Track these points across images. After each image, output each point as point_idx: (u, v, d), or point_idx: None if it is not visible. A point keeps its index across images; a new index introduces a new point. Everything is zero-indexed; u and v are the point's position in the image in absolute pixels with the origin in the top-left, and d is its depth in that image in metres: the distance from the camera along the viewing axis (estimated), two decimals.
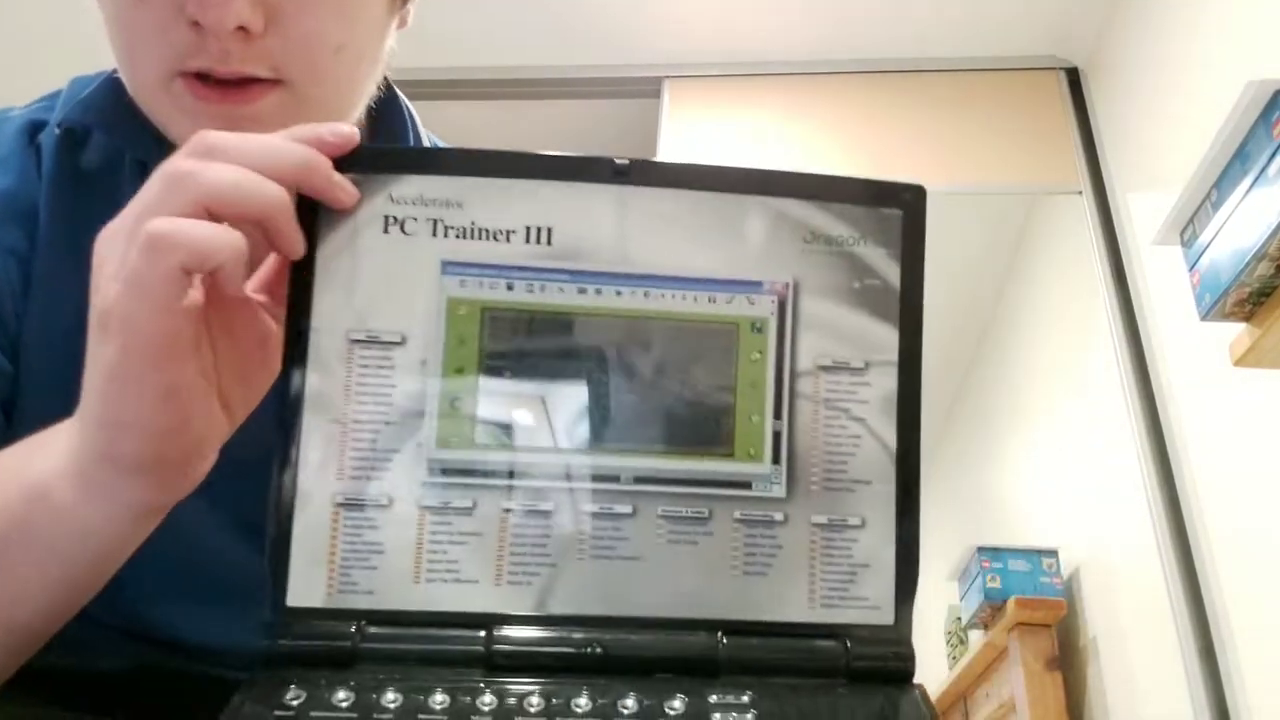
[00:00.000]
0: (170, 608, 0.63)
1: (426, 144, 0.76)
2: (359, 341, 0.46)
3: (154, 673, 0.63)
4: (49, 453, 0.47)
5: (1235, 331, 1.24)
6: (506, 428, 0.47)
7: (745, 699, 0.43)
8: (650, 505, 0.47)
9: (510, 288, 0.47)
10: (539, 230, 0.47)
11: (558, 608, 0.46)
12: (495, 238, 0.47)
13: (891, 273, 0.49)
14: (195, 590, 0.63)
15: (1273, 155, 1.10)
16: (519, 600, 0.45)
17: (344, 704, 0.41)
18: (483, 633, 0.44)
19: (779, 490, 0.47)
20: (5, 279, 0.62)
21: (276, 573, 0.45)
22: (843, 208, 0.49)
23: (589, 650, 0.45)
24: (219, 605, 0.61)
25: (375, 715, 0.40)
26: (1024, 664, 1.71)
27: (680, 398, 0.47)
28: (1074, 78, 2.16)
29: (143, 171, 0.60)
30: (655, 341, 0.47)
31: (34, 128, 0.67)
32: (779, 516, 0.47)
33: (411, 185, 0.47)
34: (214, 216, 0.43)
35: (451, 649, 0.44)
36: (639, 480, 0.47)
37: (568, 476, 0.46)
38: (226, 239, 0.43)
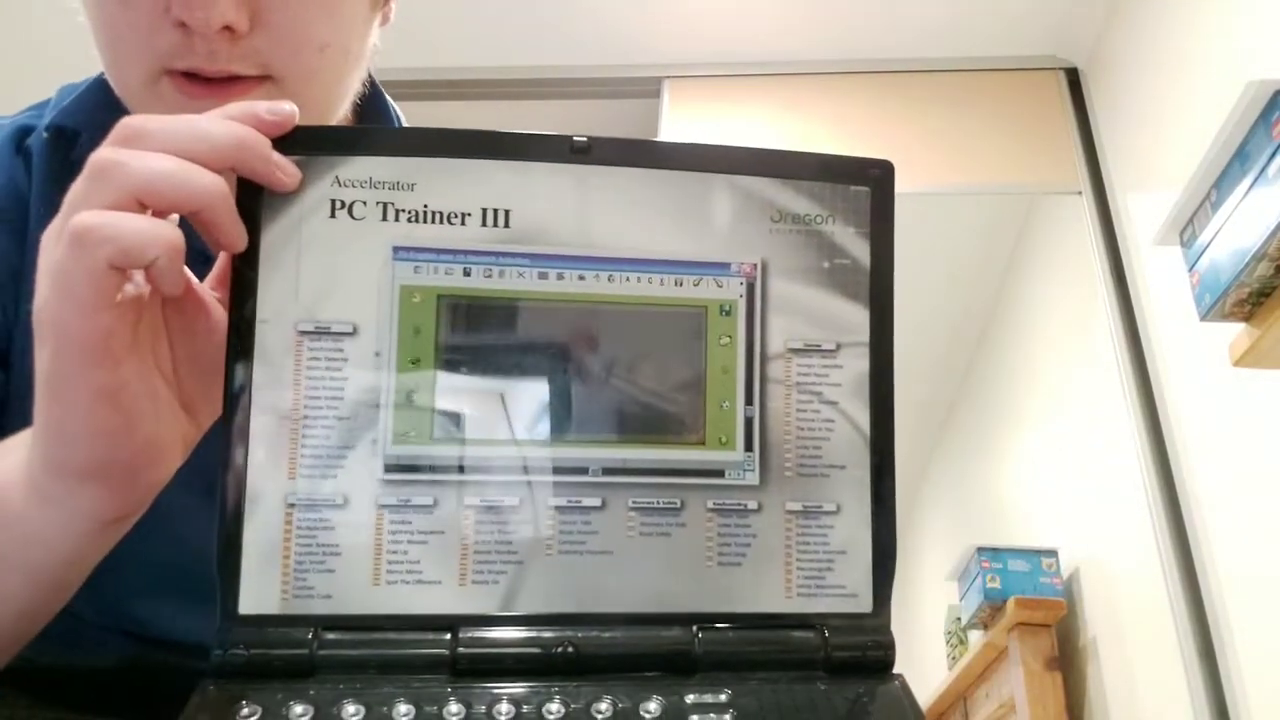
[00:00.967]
0: (163, 605, 0.62)
1: None
2: (308, 333, 0.44)
3: (147, 670, 0.63)
4: (7, 461, 0.46)
5: (1235, 332, 1.23)
6: (466, 421, 0.45)
7: (723, 697, 0.42)
8: (620, 497, 0.45)
9: (467, 273, 0.45)
10: (496, 212, 0.45)
11: (526, 607, 0.44)
12: (450, 221, 0.45)
13: (861, 251, 0.47)
14: (188, 588, 0.63)
15: (1272, 155, 1.10)
16: (485, 600, 0.43)
17: (303, 717, 0.39)
18: (448, 635, 0.43)
19: (752, 478, 0.46)
20: None
21: (226, 579, 0.43)
22: (811, 185, 0.47)
23: (560, 650, 0.43)
24: (212, 602, 0.61)
25: None
26: (1024, 664, 1.71)
27: (648, 385, 0.46)
28: (1074, 78, 2.15)
29: None
30: (620, 327, 0.46)
31: (22, 133, 0.67)
32: (753, 505, 0.46)
33: (360, 167, 0.45)
34: (147, 208, 0.41)
35: (415, 654, 0.42)
36: (608, 472, 0.45)
37: (533, 470, 0.45)
38: (157, 232, 0.41)
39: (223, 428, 0.43)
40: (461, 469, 0.44)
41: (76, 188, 0.42)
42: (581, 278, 0.46)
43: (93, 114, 0.65)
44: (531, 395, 0.45)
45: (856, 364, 0.47)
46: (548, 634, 0.43)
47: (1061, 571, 1.81)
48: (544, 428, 0.45)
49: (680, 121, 2.17)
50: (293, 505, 0.43)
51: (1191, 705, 1.52)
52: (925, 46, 2.15)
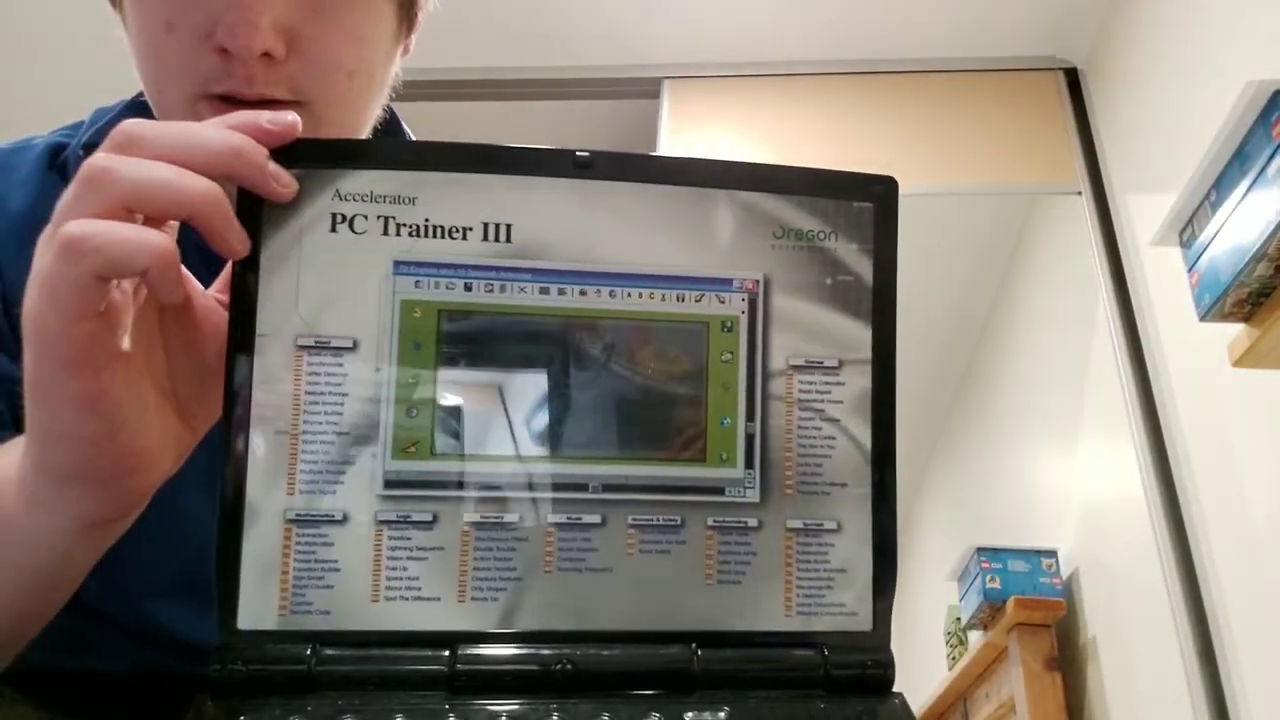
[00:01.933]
0: (173, 609, 0.62)
1: None
2: (308, 348, 0.44)
3: (156, 674, 0.63)
4: (5, 461, 0.46)
5: (1234, 332, 1.23)
6: (466, 436, 0.44)
7: (722, 715, 0.42)
8: (620, 514, 0.45)
9: (468, 288, 0.45)
10: (497, 227, 0.45)
11: (525, 624, 0.43)
12: (451, 235, 0.45)
13: (864, 268, 0.47)
14: (198, 591, 0.63)
15: (1272, 155, 1.10)
16: (483, 617, 0.43)
17: None
18: (446, 652, 0.42)
19: (753, 495, 0.45)
20: (21, 293, 0.62)
21: (225, 594, 0.42)
22: (814, 201, 0.47)
23: (558, 667, 0.43)
24: None
25: None
26: (1023, 664, 1.71)
27: (649, 401, 0.45)
28: (1073, 78, 2.15)
29: None
30: (621, 343, 0.45)
31: (56, 150, 0.68)
32: (753, 522, 0.45)
33: (361, 180, 0.44)
34: (138, 215, 0.41)
35: (413, 670, 0.42)
36: (607, 488, 0.45)
37: (532, 486, 0.44)
38: (145, 241, 0.40)
39: (221, 442, 0.43)
40: (461, 485, 0.44)
41: (67, 195, 0.41)
42: (583, 293, 0.45)
43: None
44: (531, 411, 0.45)
45: (858, 381, 0.47)
46: (546, 651, 0.43)
47: (1061, 572, 1.81)
48: (544, 444, 0.45)
49: (680, 122, 2.17)
50: (292, 521, 0.43)
51: (1191, 705, 1.52)
52: (925, 47, 2.15)
